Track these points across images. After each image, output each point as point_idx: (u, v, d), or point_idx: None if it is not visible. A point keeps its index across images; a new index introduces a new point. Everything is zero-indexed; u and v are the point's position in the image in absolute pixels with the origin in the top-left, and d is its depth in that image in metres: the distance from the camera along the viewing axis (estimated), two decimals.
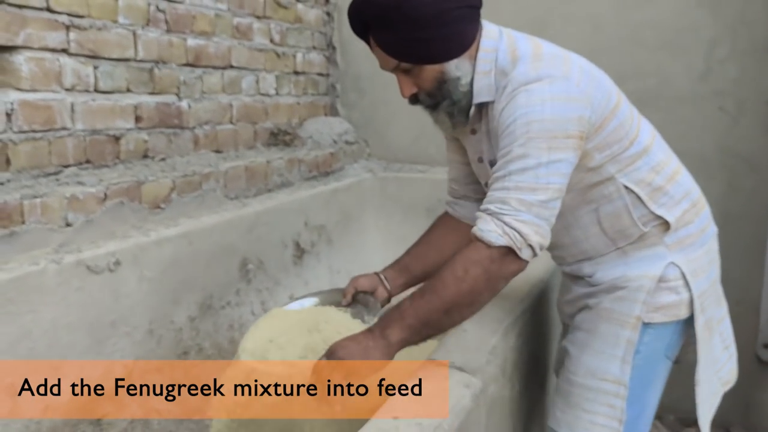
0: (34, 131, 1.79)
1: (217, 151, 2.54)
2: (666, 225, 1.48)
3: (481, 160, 1.56)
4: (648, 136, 1.50)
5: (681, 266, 1.48)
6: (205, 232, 2.11)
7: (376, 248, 3.19)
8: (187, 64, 2.37)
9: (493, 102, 1.41)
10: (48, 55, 1.84)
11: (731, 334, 1.65)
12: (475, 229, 1.32)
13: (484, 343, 1.49)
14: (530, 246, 1.29)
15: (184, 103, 2.36)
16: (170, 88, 2.29)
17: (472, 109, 1.45)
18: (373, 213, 3.22)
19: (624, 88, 1.56)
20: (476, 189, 1.70)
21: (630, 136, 1.45)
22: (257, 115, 2.81)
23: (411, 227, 3.20)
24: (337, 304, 1.75)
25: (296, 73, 3.09)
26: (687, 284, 1.48)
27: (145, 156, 2.19)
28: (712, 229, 1.59)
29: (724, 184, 2.73)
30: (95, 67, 1.98)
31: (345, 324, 1.65)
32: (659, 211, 1.47)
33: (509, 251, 1.29)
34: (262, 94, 2.84)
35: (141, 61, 2.15)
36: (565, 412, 1.55)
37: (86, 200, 1.79)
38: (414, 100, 1.46)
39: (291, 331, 1.61)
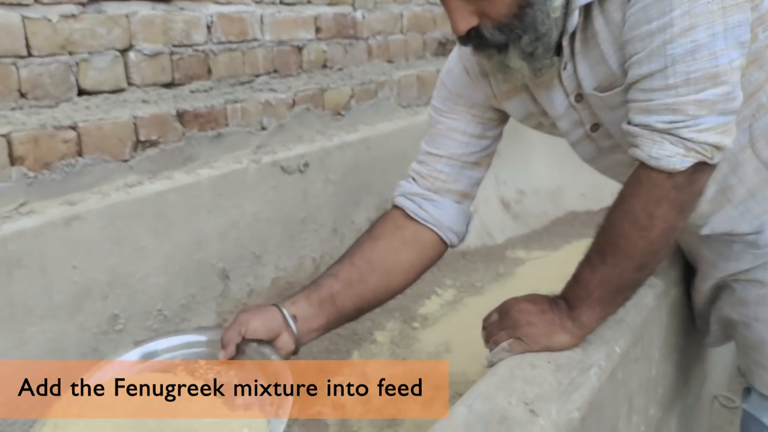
0: (230, 42, 1.94)
1: (389, 61, 2.60)
2: None
3: (580, 97, 1.09)
4: None
5: None
6: (380, 138, 2.20)
7: (542, 160, 3.15)
8: None
9: (598, 1, 0.99)
10: None
11: None
12: (642, 155, 0.96)
13: None
14: (721, 149, 0.96)
15: (358, 14, 2.42)
16: None
17: (578, 18, 0.99)
18: None
19: None
20: (471, 180, 1.27)
21: None
22: (426, 25, 2.82)
23: None
24: (208, 359, 1.11)
25: None
26: None
27: (325, 66, 2.29)
28: None
29: None
30: None
31: None
32: None
33: (697, 165, 0.95)
34: (431, 3, 2.83)
35: None
36: None
37: (277, 106, 1.93)
38: (467, 39, 1.02)
39: None
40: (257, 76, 2.04)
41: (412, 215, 1.23)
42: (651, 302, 1.31)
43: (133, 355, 1.10)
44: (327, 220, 2.00)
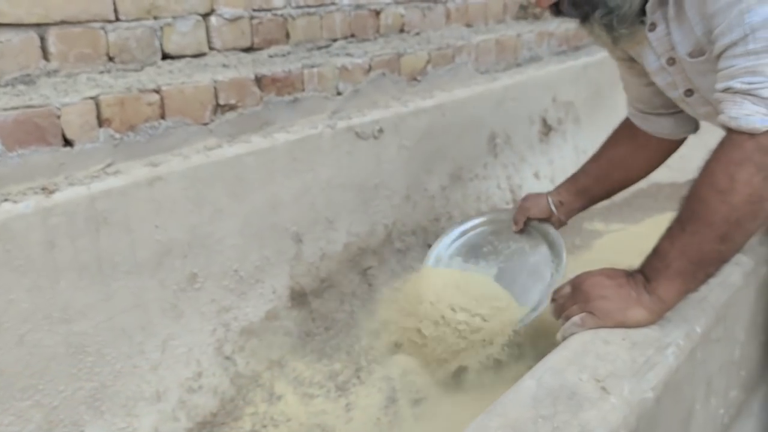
0: (308, 6, 1.93)
1: (468, 25, 2.54)
2: None
3: (672, 61, 1.18)
4: None
5: None
6: (457, 105, 2.17)
7: None
8: None
9: None
10: None
11: None
12: (724, 118, 0.99)
13: None
14: None
15: None
16: None
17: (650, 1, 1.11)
18: (623, 91, 3.04)
19: None
20: (669, 104, 1.36)
21: None
22: None
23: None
24: (505, 229, 1.67)
25: None
26: None
27: (402, 30, 2.26)
28: None
29: None
30: None
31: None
32: None
33: None
34: None
35: None
36: None
37: (354, 71, 1.92)
38: (556, 11, 1.17)
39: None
40: (334, 40, 2.03)
41: (639, 126, 1.49)
42: (738, 280, 1.25)
43: (456, 232, 1.74)
44: (400, 187, 2.00)
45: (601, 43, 1.21)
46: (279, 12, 1.86)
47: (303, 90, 1.79)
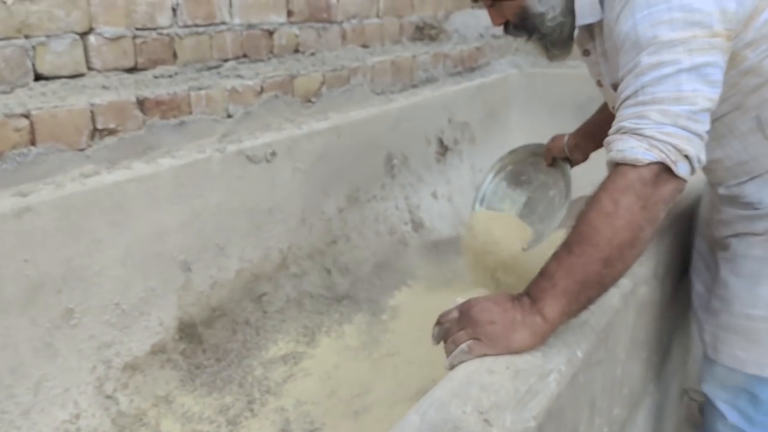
0: (197, 26, 1.87)
1: (364, 46, 2.55)
2: None
3: (600, 83, 1.38)
4: None
5: None
6: (352, 126, 2.16)
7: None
8: None
9: (601, 21, 1.24)
10: None
11: None
12: (612, 154, 1.06)
13: None
14: (686, 158, 1.02)
15: None
16: None
17: (576, 32, 1.29)
18: (518, 111, 3.14)
19: None
20: None
21: None
22: (403, 9, 2.76)
23: (557, 126, 3.09)
24: (540, 161, 1.99)
25: None
26: None
27: (296, 51, 2.24)
28: None
29: None
30: None
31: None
32: None
33: (662, 168, 1.02)
34: None
35: None
36: (749, 350, 1.38)
37: (245, 93, 1.88)
38: (506, 30, 1.38)
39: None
40: (225, 60, 1.98)
41: None
42: (617, 303, 1.29)
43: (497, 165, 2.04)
44: (295, 210, 1.96)
45: (542, 56, 1.42)
46: (165, 31, 1.79)
47: (190, 113, 1.73)
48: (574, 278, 1.04)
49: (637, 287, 1.38)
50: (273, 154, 1.86)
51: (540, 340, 1.08)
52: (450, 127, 2.69)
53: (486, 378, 1.03)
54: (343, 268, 2.12)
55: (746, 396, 1.41)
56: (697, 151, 1.04)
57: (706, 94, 1.04)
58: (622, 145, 1.04)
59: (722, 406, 1.45)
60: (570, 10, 1.28)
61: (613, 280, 1.06)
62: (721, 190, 1.39)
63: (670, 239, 1.58)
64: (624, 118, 1.07)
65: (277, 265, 1.91)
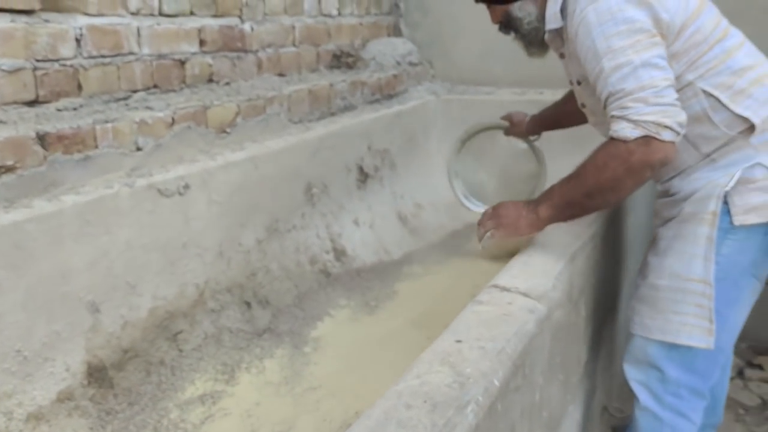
0: (103, 56, 1.81)
1: (280, 75, 2.53)
2: (752, 126, 1.47)
3: (571, 82, 1.70)
4: (734, 42, 1.50)
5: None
6: (270, 157, 2.13)
7: (439, 173, 3.16)
8: None
9: (564, 27, 1.55)
10: None
11: None
12: (610, 132, 1.41)
13: (549, 268, 1.47)
14: (668, 127, 1.35)
15: (246, 26, 2.34)
16: (232, 10, 2.27)
17: (547, 36, 1.62)
18: (436, 136, 3.18)
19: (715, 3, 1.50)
20: None
21: (710, 41, 1.47)
22: (320, 37, 2.77)
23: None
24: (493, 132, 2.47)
25: None
26: None
27: (210, 80, 2.20)
28: None
29: None
30: None
31: None
32: (745, 113, 1.46)
33: (649, 140, 1.35)
34: (325, 15, 2.78)
35: None
36: (654, 318, 1.59)
37: (155, 125, 1.82)
38: (500, 27, 1.73)
39: None
40: (134, 91, 1.92)
41: None
42: (532, 329, 1.30)
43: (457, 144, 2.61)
44: (212, 244, 1.91)
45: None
46: (68, 62, 1.73)
47: (96, 147, 1.66)
48: (563, 198, 1.51)
49: (551, 312, 1.41)
50: (186, 186, 1.81)
51: (536, 229, 1.58)
52: (370, 154, 2.69)
53: (403, 413, 1.01)
54: (264, 301, 2.07)
55: (656, 374, 1.62)
56: (674, 117, 1.35)
57: (661, 76, 1.37)
58: (616, 127, 1.39)
59: (636, 387, 1.67)
60: (543, 18, 1.60)
61: (593, 208, 1.53)
62: (658, 186, 1.68)
63: (582, 262, 1.62)
64: (612, 110, 1.41)
65: (194, 301, 1.85)
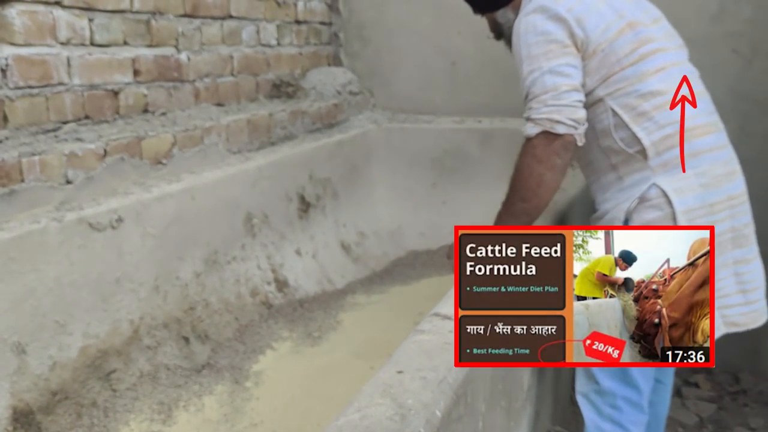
0: (30, 87, 1.75)
1: (219, 104, 2.50)
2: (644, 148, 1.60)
3: None
4: (651, 66, 1.60)
5: (662, 186, 1.57)
6: (208, 187, 2.09)
7: (381, 201, 3.17)
8: (185, 15, 2.31)
9: None
10: (41, 8, 1.79)
11: (759, 282, 1.65)
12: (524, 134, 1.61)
13: None
14: (559, 122, 1.53)
15: (183, 56, 2.31)
16: (168, 40, 2.24)
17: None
18: (378, 165, 3.19)
19: None
20: None
21: (623, 63, 1.59)
22: (259, 67, 2.75)
23: (416, 179, 3.17)
24: None
25: (297, 22, 3.02)
26: (669, 201, 1.56)
27: (145, 111, 2.15)
28: (712, 156, 1.61)
29: (736, 129, 2.66)
30: (90, 20, 1.93)
31: None
32: (639, 134, 1.59)
33: (546, 134, 1.54)
34: (263, 45, 2.77)
35: (137, 12, 2.10)
36: None
37: (86, 157, 1.77)
38: (494, 35, 1.89)
39: None
40: (64, 123, 1.86)
41: None
42: None
43: None
44: (147, 278, 1.85)
45: None
46: None
47: (22, 180, 1.60)
48: (507, 211, 1.65)
49: None
50: (119, 220, 1.75)
51: None
52: (311, 184, 2.68)
53: None
54: (203, 335, 2.02)
55: (593, 386, 1.71)
56: (567, 114, 1.53)
57: (563, 82, 1.55)
58: (524, 127, 1.59)
59: (579, 398, 1.75)
60: None
61: (534, 209, 1.63)
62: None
63: None
64: (524, 112, 1.59)
65: (128, 338, 1.79)
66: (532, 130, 1.57)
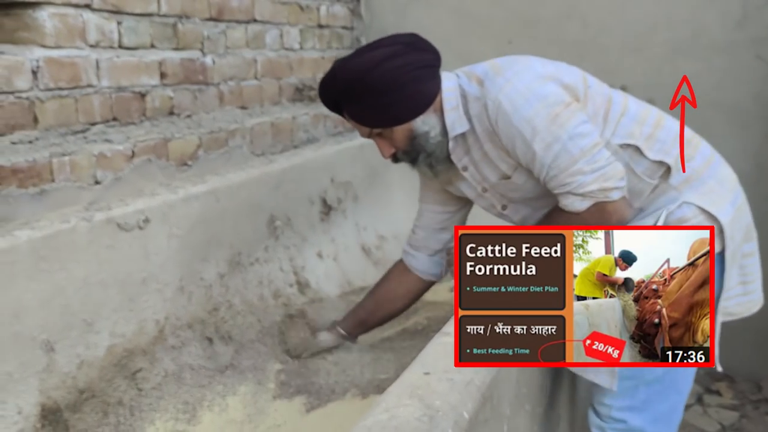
0: (60, 89, 1.78)
1: (243, 108, 2.52)
2: (668, 169, 1.53)
3: (485, 189, 1.64)
4: (619, 97, 1.58)
5: (696, 202, 1.51)
6: (232, 189, 2.11)
7: (401, 204, 3.17)
8: (211, 19, 2.33)
9: (470, 129, 1.53)
10: (71, 10, 1.81)
11: (757, 275, 1.65)
12: (562, 205, 1.47)
13: None
14: (613, 188, 1.42)
15: (208, 59, 2.33)
16: (194, 43, 2.26)
17: (451, 144, 1.55)
18: (398, 169, 3.17)
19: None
20: (441, 240, 1.84)
21: (606, 104, 1.54)
22: (282, 71, 2.77)
23: None
24: None
25: (320, 26, 3.04)
26: (711, 215, 1.50)
27: (171, 113, 2.17)
28: (718, 158, 1.61)
29: (760, 136, 2.64)
30: (119, 23, 1.96)
31: None
32: (657, 157, 1.52)
33: (600, 205, 1.43)
34: (287, 49, 2.80)
35: (164, 15, 2.12)
36: None
37: (114, 158, 1.79)
38: (395, 159, 1.61)
39: None
40: (93, 124, 1.88)
41: (406, 263, 1.91)
42: None
43: None
44: (172, 279, 1.87)
45: (427, 178, 1.70)
46: (24, 94, 1.69)
47: (52, 180, 1.62)
48: None
49: None
50: (146, 220, 1.77)
51: None
52: (333, 187, 2.69)
53: None
54: (226, 336, 2.03)
55: (603, 409, 1.67)
56: (614, 176, 1.42)
57: (589, 143, 1.42)
58: (565, 201, 1.46)
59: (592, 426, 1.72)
60: (444, 131, 1.52)
61: None
62: None
63: None
64: (555, 189, 1.46)
65: (154, 338, 1.80)
66: (581, 204, 1.43)
